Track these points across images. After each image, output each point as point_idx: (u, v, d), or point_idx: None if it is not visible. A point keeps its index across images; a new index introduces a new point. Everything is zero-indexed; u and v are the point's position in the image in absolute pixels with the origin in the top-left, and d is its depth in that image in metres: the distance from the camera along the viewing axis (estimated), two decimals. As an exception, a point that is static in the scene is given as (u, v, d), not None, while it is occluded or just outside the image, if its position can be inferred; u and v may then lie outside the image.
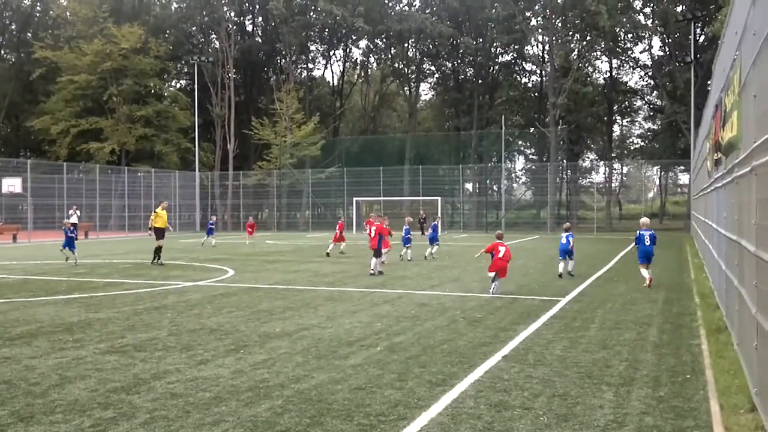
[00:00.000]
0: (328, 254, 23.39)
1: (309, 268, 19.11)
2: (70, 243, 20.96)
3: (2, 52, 69.46)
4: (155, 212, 21.96)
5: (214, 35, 61.58)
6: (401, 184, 52.31)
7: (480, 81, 61.83)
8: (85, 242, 36.64)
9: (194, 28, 62.43)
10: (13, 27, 68.27)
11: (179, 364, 7.37)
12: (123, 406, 5.85)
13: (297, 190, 54.42)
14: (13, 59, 68.30)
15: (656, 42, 56.16)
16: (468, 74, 63.28)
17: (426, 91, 74.31)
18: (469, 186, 58.71)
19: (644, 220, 15.40)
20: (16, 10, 66.16)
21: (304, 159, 54.07)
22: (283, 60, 61.35)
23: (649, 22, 52.53)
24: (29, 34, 65.78)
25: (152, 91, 59.30)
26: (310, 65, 66.74)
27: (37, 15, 67.69)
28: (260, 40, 64.29)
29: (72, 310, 11.24)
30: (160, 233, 21.24)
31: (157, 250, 20.87)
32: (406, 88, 65.12)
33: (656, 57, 56.12)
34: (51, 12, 65.37)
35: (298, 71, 63.23)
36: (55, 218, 43.18)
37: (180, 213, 52.73)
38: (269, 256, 24.15)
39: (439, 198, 45.81)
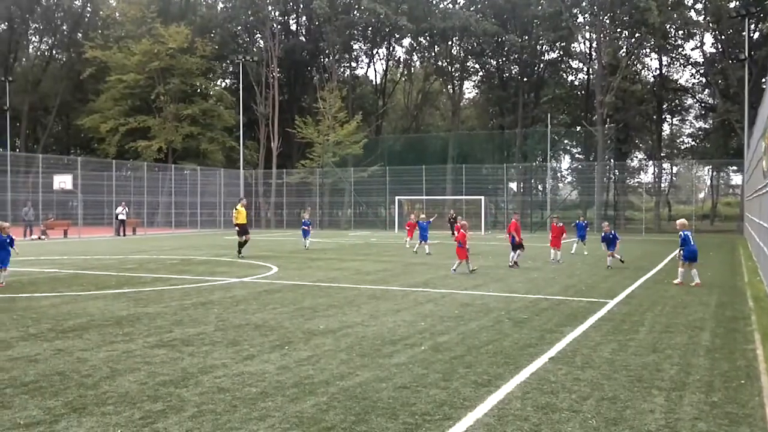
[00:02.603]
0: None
1: (351, 266, 19.17)
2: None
3: (54, 52, 71.46)
4: (236, 209, 22.93)
5: (258, 35, 62.31)
6: (444, 183, 52.09)
7: (525, 79, 61.17)
8: (133, 238, 37.47)
9: (239, 28, 63.23)
10: (64, 27, 70.16)
11: (226, 359, 7.45)
12: (172, 399, 5.94)
13: (339, 189, 54.66)
14: (64, 59, 70.22)
15: (708, 38, 54.64)
16: (513, 72, 62.69)
17: (470, 89, 73.98)
18: (513, 185, 58.09)
19: (683, 221, 15.37)
20: (68, 11, 67.97)
21: (347, 157, 54.26)
22: (327, 59, 61.69)
23: (700, 18, 51.23)
24: (80, 35, 67.53)
25: (198, 90, 60.30)
26: (353, 64, 66.99)
27: (88, 16, 69.44)
28: (304, 39, 64.74)
29: (121, 305, 11.47)
30: (242, 229, 22.46)
31: (241, 245, 22.23)
32: (449, 87, 64.81)
33: (708, 54, 54.65)
34: (101, 12, 66.99)
35: (341, 70, 63.50)
36: (104, 214, 44.26)
37: (225, 210, 53.51)
38: (312, 253, 24.30)
39: (482, 197, 45.43)
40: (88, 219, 43.31)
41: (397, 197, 48.76)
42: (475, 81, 68.54)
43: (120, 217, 40.15)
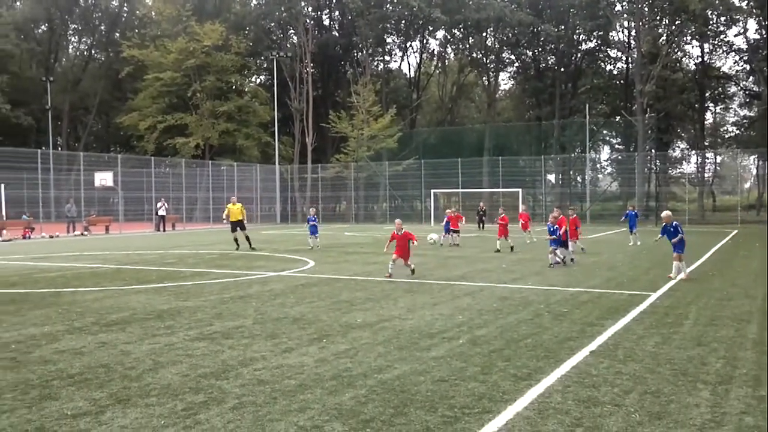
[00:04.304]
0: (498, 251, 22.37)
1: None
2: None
3: (93, 51, 72.90)
4: (229, 208, 23.75)
5: (292, 30, 62.58)
6: (480, 176, 51.68)
7: (562, 69, 60.36)
8: (173, 233, 38.05)
9: (273, 24, 63.60)
10: (102, 27, 71.50)
11: (265, 352, 7.52)
12: (213, 391, 6.01)
13: (374, 183, 54.70)
14: (102, 58, 71.60)
15: (752, 24, 53.29)
16: (549, 62, 61.93)
17: (505, 81, 73.25)
18: (551, 177, 57.37)
19: (668, 213, 15.26)
20: (105, 11, 69.23)
21: (381, 151, 54.25)
22: (360, 53, 61.71)
23: (743, 4, 49.85)
24: (117, 34, 68.77)
25: (233, 87, 60.91)
26: (387, 57, 66.84)
27: (125, 15, 70.66)
28: (337, 34, 64.87)
29: (162, 299, 11.65)
30: (241, 224, 23.31)
31: (248, 238, 22.85)
32: (484, 78, 64.30)
33: (752, 41, 53.20)
34: (137, 12, 68.11)
35: (375, 64, 63.46)
36: (144, 210, 45.04)
37: (261, 205, 54.02)
38: (348, 247, 24.37)
39: (519, 190, 44.96)
40: (129, 215, 44.13)
41: (432, 190, 48.56)
42: (510, 72, 67.92)
43: (160, 212, 40.83)
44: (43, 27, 70.53)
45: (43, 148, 52.19)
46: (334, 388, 6.08)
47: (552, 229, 16.88)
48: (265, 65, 65.60)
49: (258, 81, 68.63)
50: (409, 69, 73.89)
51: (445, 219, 25.35)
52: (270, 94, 57.30)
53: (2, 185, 34.19)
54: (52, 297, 11.92)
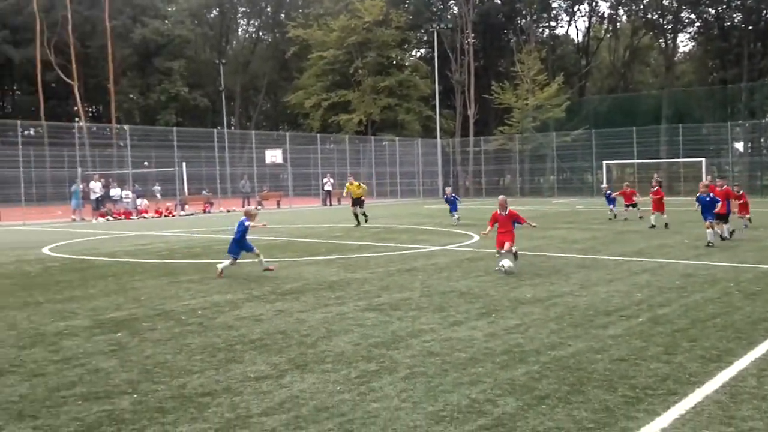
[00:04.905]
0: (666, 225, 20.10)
1: (557, 234, 18.53)
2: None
3: (260, 33, 76.99)
4: (350, 186, 24.59)
5: (452, 1, 61.99)
6: (657, 146, 48.26)
7: (750, 27, 54.76)
8: (338, 208, 39.41)
9: (433, -5, 63.37)
10: (269, 9, 75.18)
11: (433, 324, 7.51)
12: (385, 361, 6.09)
13: (540, 155, 53.06)
14: (269, 39, 75.43)
15: None
16: (735, 21, 56.43)
17: (684, 42, 68.14)
18: (739, 146, 52.34)
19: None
20: (271, -7, 72.77)
21: (548, 122, 52.42)
22: (524, 20, 59.93)
23: None
24: (282, 15, 72.00)
25: (394, 61, 61.57)
26: (553, 23, 64.43)
27: (290, -4, 73.72)
28: (499, 2, 63.35)
29: (332, 270, 12.05)
30: (355, 201, 24.04)
31: (363, 215, 23.39)
32: (660, 41, 59.98)
33: None
34: (302, -8, 70.75)
35: (540, 30, 61.43)
36: (311, 186, 47.08)
37: (423, 180, 54.48)
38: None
39: (702, 160, 41.49)
40: (297, 190, 46.32)
41: (604, 162, 46.05)
42: (690, 33, 62.77)
43: (326, 188, 42.48)
44: (214, 12, 75.57)
45: (218, 127, 56.08)
46: (505, 362, 5.95)
47: (707, 201, 14.74)
48: (425, 38, 65.69)
49: (418, 54, 68.97)
50: (577, 34, 71.11)
51: (607, 192, 24.35)
52: (430, 67, 57.34)
53: (184, 163, 37.24)
54: (232, 268, 12.71)
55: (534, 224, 12.43)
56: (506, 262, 10.97)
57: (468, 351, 6.35)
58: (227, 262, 11.49)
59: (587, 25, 65.95)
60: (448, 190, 25.05)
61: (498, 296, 9.17)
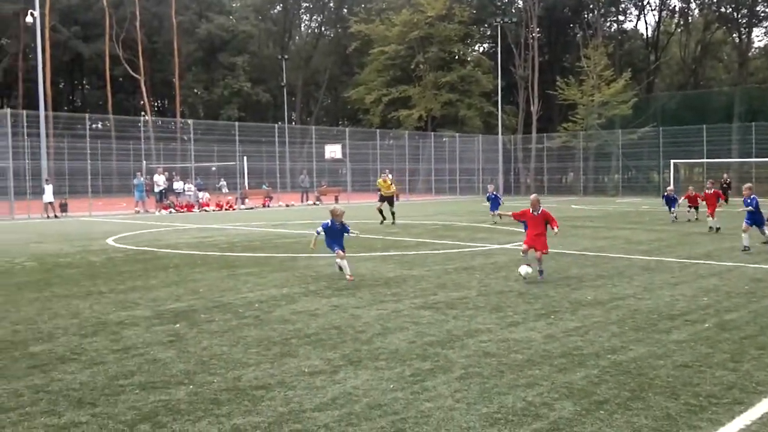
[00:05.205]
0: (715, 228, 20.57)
1: (620, 234, 18.04)
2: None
3: (323, 29, 77.69)
4: (385, 181, 23.56)
5: (518, -6, 61.17)
6: (728, 144, 46.38)
7: (832, 20, 52.17)
8: (396, 204, 39.33)
9: (498, -10, 62.67)
10: (331, 5, 75.76)
11: (490, 324, 7.39)
12: (439, 360, 6.02)
13: (605, 153, 51.76)
14: (331, 35, 76.06)
15: None
16: (816, 13, 53.85)
17: (759, 37, 65.43)
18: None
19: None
20: (335, -12, 73.33)
21: (614, 119, 51.09)
22: (591, 14, 58.59)
23: None
24: (345, 10, 72.39)
25: (456, 56, 61.14)
26: (621, 17, 62.78)
27: (353, -9, 74.13)
28: (566, -4, 62.14)
29: (388, 267, 12.01)
30: (383, 198, 23.10)
31: (392, 214, 22.50)
32: (734, 35, 57.71)
33: None
34: (365, -13, 71.01)
35: (608, 24, 59.96)
36: (370, 181, 47.17)
37: (483, 177, 53.96)
38: (576, 221, 23.42)
39: (776, 160, 39.71)
40: (356, 185, 46.53)
41: (672, 161, 44.55)
42: (766, 27, 60.18)
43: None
44: (278, 7, 76.59)
45: (279, 123, 56.96)
46: (563, 365, 5.81)
47: (748, 203, 14.67)
48: (488, 33, 65.01)
49: (481, 49, 68.30)
50: (647, 28, 69.18)
51: (672, 194, 22.99)
52: (493, 62, 56.68)
53: (245, 158, 37.91)
54: (289, 261, 12.87)
55: (556, 231, 10.77)
56: (524, 268, 10.11)
57: (525, 352, 6.23)
58: (341, 262, 10.56)
59: (657, 20, 64.06)
60: (491, 187, 24.52)
61: (558, 297, 8.96)
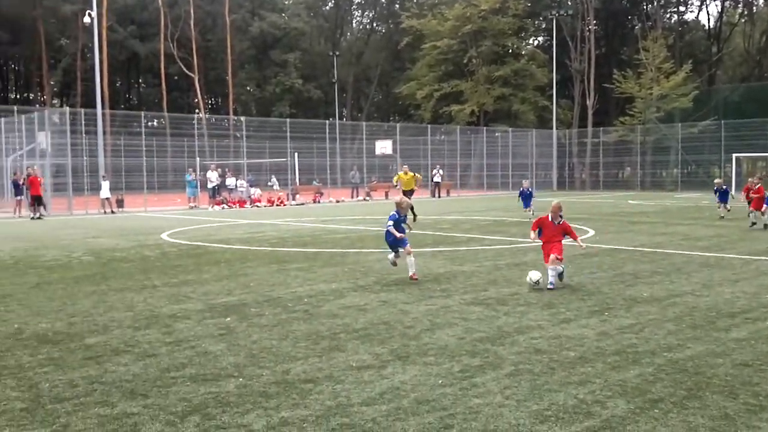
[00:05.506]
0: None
1: (678, 230, 17.51)
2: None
3: (374, 24, 77.75)
4: (407, 176, 22.63)
5: (573, -12, 60.01)
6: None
7: None
8: (447, 200, 39.27)
9: (553, -18, 61.63)
10: (383, 1, 75.67)
11: (541, 321, 7.25)
12: (489, 356, 5.93)
13: (664, 147, 50.36)
14: (383, 30, 76.05)
15: None
16: None
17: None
18: None
19: None
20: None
21: (673, 112, 49.68)
22: (650, 5, 57.07)
23: None
24: (397, 6, 72.29)
25: (510, 50, 60.35)
26: (681, 8, 60.92)
27: (405, -14, 73.92)
28: (623, -13, 60.73)
29: (438, 262, 11.92)
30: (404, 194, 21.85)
31: (411, 208, 21.07)
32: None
33: None
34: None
35: (667, 16, 58.26)
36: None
37: (537, 172, 53.19)
38: (632, 216, 22.86)
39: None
40: (407, 181, 46.30)
41: (734, 155, 43.01)
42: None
43: (435, 179, 42.33)
44: (330, 4, 77.01)
45: (330, 119, 57.23)
46: (617, 363, 5.67)
47: None
48: (543, 26, 64.02)
49: (535, 43, 67.31)
50: (708, 19, 66.96)
51: (723, 187, 21.83)
52: (548, 56, 55.76)
53: (296, 154, 38.24)
54: (339, 257, 12.90)
55: (583, 245, 9.99)
56: (534, 274, 9.16)
57: (577, 350, 6.10)
58: (409, 258, 10.01)
59: (720, 10, 61.98)
60: (526, 182, 23.81)
61: (612, 294, 8.75)
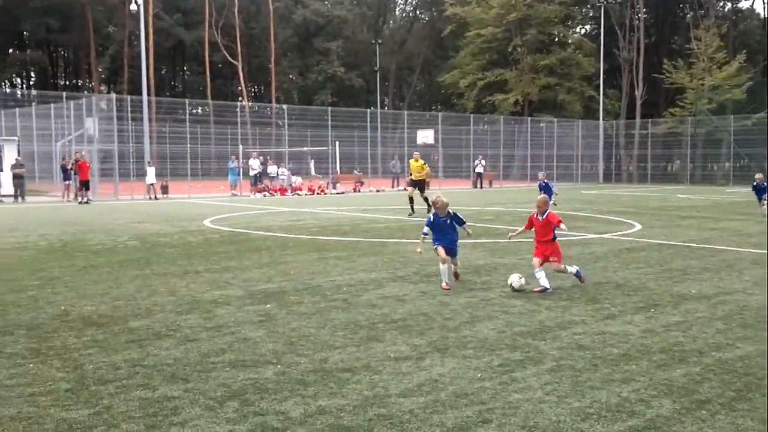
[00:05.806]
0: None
1: (729, 226, 17.01)
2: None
3: (417, 12, 77.27)
4: (419, 165, 21.22)
5: (622, -25, 58.62)
6: None
7: None
8: (490, 191, 38.94)
9: (602, -31, 60.25)
10: (427, -13, 75.16)
11: (584, 316, 7.11)
12: (530, 350, 5.84)
13: (715, 139, 48.91)
14: (426, 18, 75.49)
15: None
16: None
17: None
18: None
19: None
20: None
21: (725, 104, 48.18)
22: (703, -8, 55.30)
23: None
24: (440, -7, 71.66)
25: (556, 39, 59.28)
26: (736, -3, 58.98)
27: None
28: (675, -25, 59.08)
29: (478, 254, 11.79)
30: (414, 184, 21.13)
31: (425, 200, 20.00)
32: None
33: None
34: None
35: (721, 4, 56.44)
36: (462, 167, 46.60)
37: (582, 164, 52.28)
38: (681, 211, 22.30)
39: None
40: (448, 171, 46.11)
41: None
42: None
43: (477, 170, 41.96)
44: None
45: (372, 108, 57.08)
46: (663, 361, 5.53)
47: None
48: (590, 14, 62.73)
49: (582, 31, 66.01)
50: (764, 8, 64.61)
51: (763, 183, 20.63)
52: (595, 45, 54.63)
53: (337, 142, 38.30)
54: (378, 246, 12.87)
55: (564, 228, 8.79)
56: (515, 277, 8.43)
57: (621, 347, 5.96)
58: (441, 266, 8.80)
59: (775, -2, 59.87)
60: (542, 175, 23.25)
61: (659, 290, 8.53)
